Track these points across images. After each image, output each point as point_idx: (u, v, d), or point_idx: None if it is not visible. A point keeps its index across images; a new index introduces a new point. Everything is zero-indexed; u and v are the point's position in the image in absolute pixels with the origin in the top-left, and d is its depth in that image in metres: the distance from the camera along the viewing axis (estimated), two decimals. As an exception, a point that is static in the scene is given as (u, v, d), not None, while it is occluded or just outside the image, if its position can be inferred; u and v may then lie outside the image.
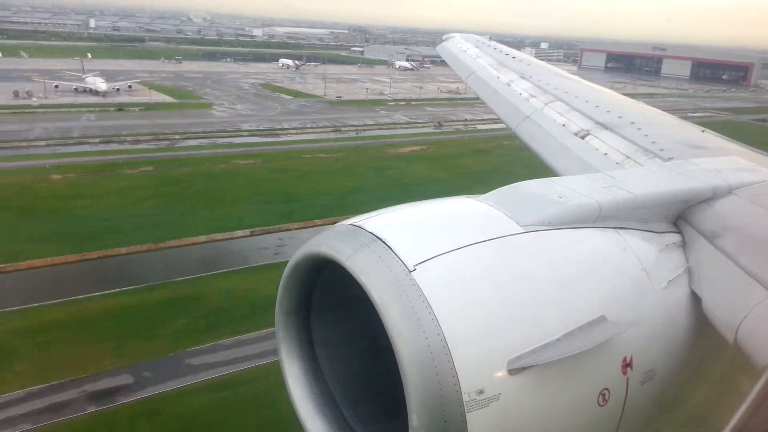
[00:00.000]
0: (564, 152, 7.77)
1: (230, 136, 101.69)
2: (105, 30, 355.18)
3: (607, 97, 9.46)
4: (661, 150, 6.75)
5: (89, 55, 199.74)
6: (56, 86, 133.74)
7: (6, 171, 70.78)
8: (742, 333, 4.13)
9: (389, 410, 4.11)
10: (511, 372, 3.63)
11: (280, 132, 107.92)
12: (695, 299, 4.64)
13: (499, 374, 3.64)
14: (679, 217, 5.15)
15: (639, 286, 4.42)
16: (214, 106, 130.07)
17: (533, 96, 9.56)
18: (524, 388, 3.69)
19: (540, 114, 8.89)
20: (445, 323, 3.54)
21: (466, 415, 3.56)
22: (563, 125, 8.28)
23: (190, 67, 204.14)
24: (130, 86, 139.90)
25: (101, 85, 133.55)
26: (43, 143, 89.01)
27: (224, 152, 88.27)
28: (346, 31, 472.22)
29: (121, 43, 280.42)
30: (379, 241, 3.88)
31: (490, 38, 14.90)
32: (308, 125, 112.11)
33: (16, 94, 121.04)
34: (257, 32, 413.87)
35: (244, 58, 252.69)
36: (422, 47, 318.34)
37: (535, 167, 8.76)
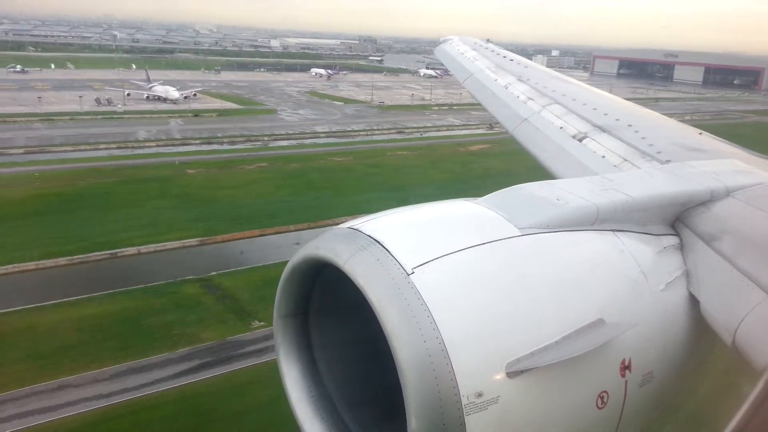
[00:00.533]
0: (562, 155, 7.75)
1: (311, 137, 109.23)
2: (126, 42, 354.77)
3: (604, 100, 9.30)
4: (659, 152, 6.74)
5: (134, 66, 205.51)
6: (128, 94, 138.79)
7: (146, 166, 78.67)
8: (740, 335, 4.12)
9: (388, 413, 4.07)
10: (510, 375, 3.61)
11: (352, 133, 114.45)
12: (693, 301, 4.62)
13: (498, 377, 3.61)
14: (676, 219, 5.11)
15: (637, 289, 4.41)
16: (278, 112, 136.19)
17: (531, 99, 9.49)
18: (523, 391, 3.68)
19: (537, 117, 8.85)
20: (443, 326, 3.53)
21: (465, 418, 3.54)
22: (561, 128, 8.25)
23: (229, 77, 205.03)
24: (194, 94, 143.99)
25: (174, 93, 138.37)
26: (153, 144, 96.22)
27: (315, 151, 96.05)
28: (357, 41, 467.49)
29: (152, 55, 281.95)
30: (378, 244, 3.83)
31: (488, 41, 14.52)
32: (374, 127, 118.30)
33: (98, 101, 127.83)
34: (274, 43, 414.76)
35: (275, 68, 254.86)
36: (432, 56, 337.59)
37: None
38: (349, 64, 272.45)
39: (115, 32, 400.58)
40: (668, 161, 6.40)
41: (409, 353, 3.45)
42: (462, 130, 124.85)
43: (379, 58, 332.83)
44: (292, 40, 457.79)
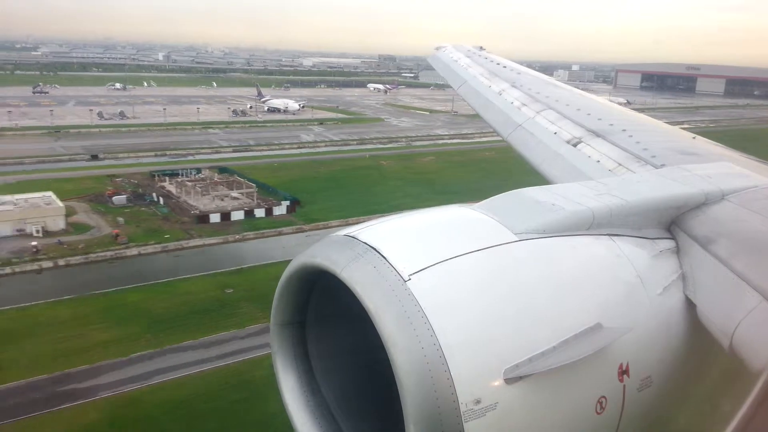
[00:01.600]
0: (557, 160, 7.63)
1: (440, 139, 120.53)
2: (184, 63, 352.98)
3: (597, 105, 9.13)
4: (653, 157, 6.56)
5: (215, 84, 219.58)
6: (250, 107, 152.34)
7: (346, 159, 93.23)
8: (737, 338, 3.90)
9: (386, 421, 3.87)
10: (508, 381, 3.45)
11: (469, 135, 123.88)
12: (690, 305, 4.35)
13: (496, 383, 3.45)
14: (672, 223, 4.88)
15: (634, 293, 4.19)
16: (384, 120, 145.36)
17: (525, 105, 9.46)
18: (521, 397, 3.53)
19: (532, 122, 8.81)
20: (440, 333, 3.37)
21: (464, 424, 3.38)
22: (555, 133, 8.15)
23: (299, 92, 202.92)
24: (303, 106, 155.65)
25: (294, 105, 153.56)
26: (322, 144, 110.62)
27: (462, 148, 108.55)
28: (376, 60, 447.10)
29: (209, 74, 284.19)
30: (374, 251, 3.64)
31: (481, 48, 14.53)
32: (483, 131, 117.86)
33: (235, 113, 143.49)
34: (307, 62, 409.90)
35: (333, 84, 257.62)
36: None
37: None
38: (384, 80, 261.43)
39: (160, 53, 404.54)
40: (663, 165, 6.21)
41: (407, 360, 3.32)
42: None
43: (412, 75, 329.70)
44: (317, 60, 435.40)
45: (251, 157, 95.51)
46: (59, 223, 60.99)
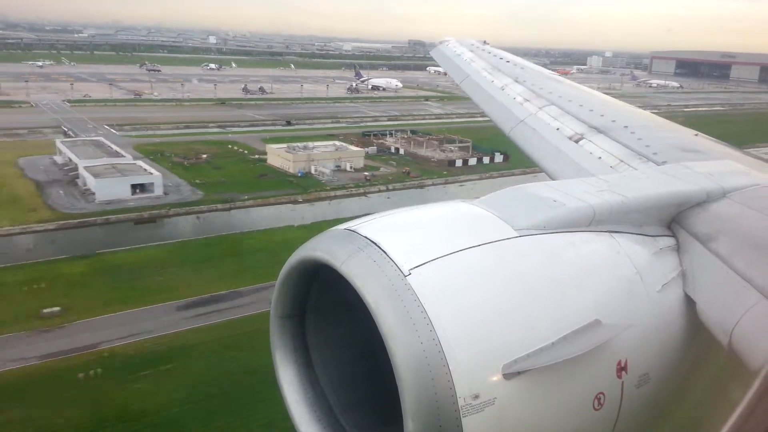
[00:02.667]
0: (558, 156, 7.41)
1: None
2: (235, 46, 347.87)
3: (599, 101, 8.79)
4: (655, 154, 6.30)
5: (292, 66, 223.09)
6: (356, 85, 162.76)
7: (489, 127, 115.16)
8: (736, 336, 3.71)
9: (384, 415, 3.74)
10: (507, 376, 3.34)
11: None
12: (689, 303, 4.11)
13: (495, 378, 3.33)
14: (672, 220, 4.65)
15: (633, 290, 3.96)
16: None
17: (527, 100, 9.16)
18: (520, 392, 3.41)
19: (534, 118, 8.57)
20: (440, 327, 3.26)
21: (462, 419, 3.27)
22: (557, 129, 7.92)
23: (367, 73, 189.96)
24: (401, 86, 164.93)
25: (397, 83, 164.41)
26: (454, 116, 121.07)
27: None
28: (406, 44, 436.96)
29: (267, 56, 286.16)
30: (374, 245, 3.48)
31: (485, 42, 13.83)
32: None
33: (349, 90, 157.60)
34: (347, 47, 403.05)
35: (396, 67, 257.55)
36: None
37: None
38: (423, 64, 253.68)
39: (211, 37, 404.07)
40: (664, 162, 5.90)
41: (406, 354, 3.20)
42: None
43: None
44: (353, 45, 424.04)
45: (406, 124, 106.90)
46: (360, 163, 79.46)
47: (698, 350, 4.28)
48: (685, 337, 4.15)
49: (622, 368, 3.81)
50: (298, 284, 3.92)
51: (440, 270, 3.45)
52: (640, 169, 5.97)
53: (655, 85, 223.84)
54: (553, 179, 6.42)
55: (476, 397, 3.29)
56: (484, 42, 13.33)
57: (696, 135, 6.98)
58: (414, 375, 3.20)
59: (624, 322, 3.77)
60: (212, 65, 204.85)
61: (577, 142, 7.24)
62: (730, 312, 3.85)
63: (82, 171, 64.43)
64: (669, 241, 4.45)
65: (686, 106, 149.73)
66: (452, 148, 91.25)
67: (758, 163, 5.98)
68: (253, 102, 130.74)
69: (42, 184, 64.95)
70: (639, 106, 9.71)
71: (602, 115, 7.57)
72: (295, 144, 79.24)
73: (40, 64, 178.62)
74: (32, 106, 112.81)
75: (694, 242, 4.41)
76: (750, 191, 4.91)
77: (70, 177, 66.57)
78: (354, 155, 79.40)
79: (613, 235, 4.19)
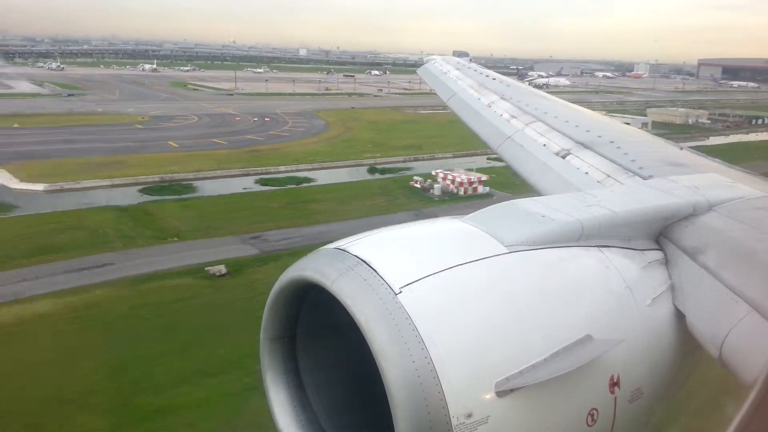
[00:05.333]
0: (546, 172, 7.63)
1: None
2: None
3: (585, 117, 9.14)
4: (641, 168, 6.46)
5: (387, 71, 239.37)
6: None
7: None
8: (726, 348, 3.76)
9: None
10: (499, 394, 3.34)
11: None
12: (679, 316, 4.18)
13: (487, 397, 3.34)
14: (660, 234, 4.74)
15: (624, 304, 4.03)
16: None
17: (514, 117, 9.53)
18: (513, 410, 3.43)
19: (521, 134, 8.88)
20: (432, 346, 3.26)
21: None
22: (544, 145, 8.17)
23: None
24: (568, 83, 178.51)
25: (565, 81, 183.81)
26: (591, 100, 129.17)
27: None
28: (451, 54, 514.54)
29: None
30: (365, 264, 3.48)
31: (470, 60, 14.44)
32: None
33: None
34: (389, 57, 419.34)
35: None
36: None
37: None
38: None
39: (301, 50, 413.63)
40: (651, 176, 6.05)
41: (398, 373, 3.18)
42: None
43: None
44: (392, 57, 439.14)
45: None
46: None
47: (689, 363, 4.29)
48: (676, 351, 4.17)
49: (614, 383, 3.83)
50: (288, 305, 3.89)
51: (431, 288, 3.46)
52: (626, 183, 6.07)
53: (736, 86, 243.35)
54: (541, 195, 6.51)
55: (469, 415, 3.29)
56: (470, 60, 13.88)
57: (681, 149, 7.10)
58: (406, 394, 3.18)
59: (615, 336, 3.78)
60: (375, 71, 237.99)
61: (563, 157, 7.40)
62: (720, 324, 3.89)
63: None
64: (657, 255, 4.50)
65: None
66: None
67: (742, 175, 6.07)
68: (396, 94, 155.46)
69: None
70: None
71: (588, 131, 7.73)
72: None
73: (260, 70, 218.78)
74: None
75: (683, 255, 4.47)
76: (736, 203, 4.99)
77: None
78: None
79: (602, 249, 4.23)
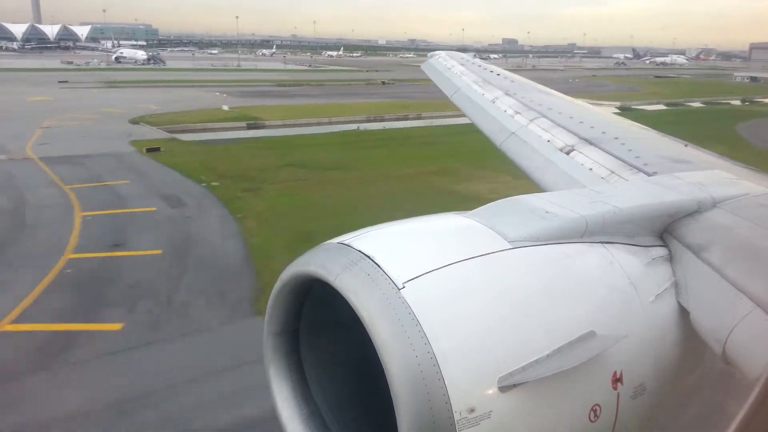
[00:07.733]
0: (550, 168, 7.61)
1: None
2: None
3: (589, 113, 9.12)
4: (645, 164, 6.48)
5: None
6: (622, 62, 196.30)
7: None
8: (730, 345, 3.83)
9: (379, 430, 3.82)
10: (502, 389, 3.36)
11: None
12: (683, 312, 4.25)
13: (490, 392, 3.35)
14: (664, 230, 4.80)
15: (627, 301, 4.10)
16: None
17: (518, 113, 9.53)
18: (515, 405, 3.44)
19: (525, 130, 8.91)
20: (434, 341, 3.26)
21: None
22: (548, 141, 8.19)
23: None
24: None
25: (681, 59, 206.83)
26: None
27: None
28: (500, 43, 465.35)
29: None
30: (368, 259, 3.56)
31: (475, 55, 14.19)
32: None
33: (617, 64, 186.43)
34: (412, 44, 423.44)
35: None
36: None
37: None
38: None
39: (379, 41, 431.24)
40: (655, 173, 6.08)
41: (401, 367, 3.20)
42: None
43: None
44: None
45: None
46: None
47: (693, 360, 4.32)
48: (679, 347, 4.21)
49: (617, 380, 3.88)
50: (291, 300, 3.96)
51: (434, 283, 3.50)
52: (631, 180, 6.09)
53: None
54: (545, 191, 6.57)
55: (472, 410, 3.33)
56: (474, 55, 13.42)
57: (686, 145, 7.15)
58: (409, 389, 3.23)
59: (619, 333, 3.81)
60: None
61: (568, 153, 7.46)
62: (724, 321, 3.91)
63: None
64: (661, 251, 4.54)
65: None
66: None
67: (747, 172, 6.10)
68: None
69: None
70: None
71: (592, 127, 7.77)
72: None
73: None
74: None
75: (687, 252, 4.50)
76: (740, 200, 5.02)
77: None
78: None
79: (606, 246, 4.27)
